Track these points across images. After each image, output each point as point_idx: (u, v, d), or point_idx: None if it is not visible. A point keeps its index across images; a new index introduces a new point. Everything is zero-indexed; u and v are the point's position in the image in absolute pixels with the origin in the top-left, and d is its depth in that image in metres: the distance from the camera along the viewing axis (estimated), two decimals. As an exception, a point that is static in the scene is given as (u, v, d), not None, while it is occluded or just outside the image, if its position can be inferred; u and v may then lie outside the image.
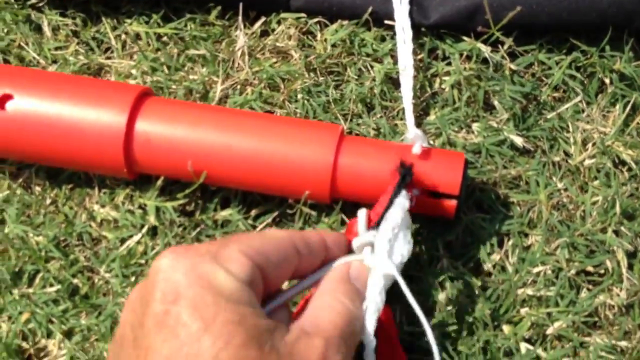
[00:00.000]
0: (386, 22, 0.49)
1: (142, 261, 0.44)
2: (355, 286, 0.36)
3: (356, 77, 0.49)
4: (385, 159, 0.41)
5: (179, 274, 0.30)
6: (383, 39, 0.50)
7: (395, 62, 0.49)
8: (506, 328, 0.42)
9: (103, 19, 0.52)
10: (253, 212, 0.45)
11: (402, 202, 0.38)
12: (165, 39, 0.51)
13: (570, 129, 0.47)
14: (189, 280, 0.30)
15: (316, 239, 0.36)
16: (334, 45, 0.50)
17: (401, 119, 0.48)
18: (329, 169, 0.41)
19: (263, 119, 0.44)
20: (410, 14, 0.48)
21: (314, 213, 0.44)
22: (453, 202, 0.41)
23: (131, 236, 0.45)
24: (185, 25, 0.52)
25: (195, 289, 0.29)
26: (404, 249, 0.37)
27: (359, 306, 0.35)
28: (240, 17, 0.50)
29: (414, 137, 0.44)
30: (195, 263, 0.30)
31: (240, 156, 0.42)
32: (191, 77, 0.49)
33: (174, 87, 0.49)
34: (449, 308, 0.42)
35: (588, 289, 0.43)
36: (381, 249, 0.37)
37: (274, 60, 0.50)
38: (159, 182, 0.44)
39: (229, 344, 0.28)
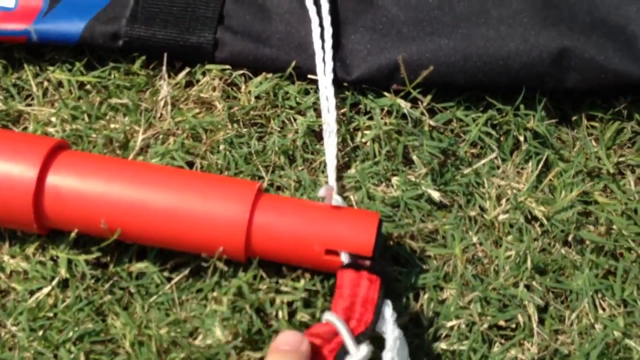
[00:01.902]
0: (309, 76, 0.50)
1: (51, 314, 0.43)
2: None
3: (279, 129, 0.50)
4: (302, 219, 0.42)
5: None
6: (307, 92, 0.51)
7: (318, 115, 0.50)
8: (420, 383, 0.42)
9: (25, 65, 0.51)
10: (169, 265, 0.45)
11: (392, 316, 0.39)
12: (88, 87, 0.51)
13: (486, 185, 0.48)
14: None
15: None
16: (257, 97, 0.50)
17: (323, 172, 0.49)
18: (243, 227, 0.41)
19: (179, 175, 0.43)
20: (334, 69, 0.50)
21: (227, 269, 0.44)
22: (366, 263, 0.41)
23: (41, 288, 0.44)
24: (109, 74, 0.51)
25: None
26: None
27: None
28: (164, 67, 0.50)
29: (326, 193, 0.45)
30: None
31: (155, 213, 0.41)
32: (112, 126, 0.49)
33: (93, 136, 0.48)
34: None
35: (500, 344, 0.44)
36: None
37: (197, 110, 0.50)
38: (73, 235, 0.43)
39: None
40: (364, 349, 0.37)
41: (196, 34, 0.50)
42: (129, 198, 0.41)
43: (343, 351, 0.37)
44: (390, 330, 0.39)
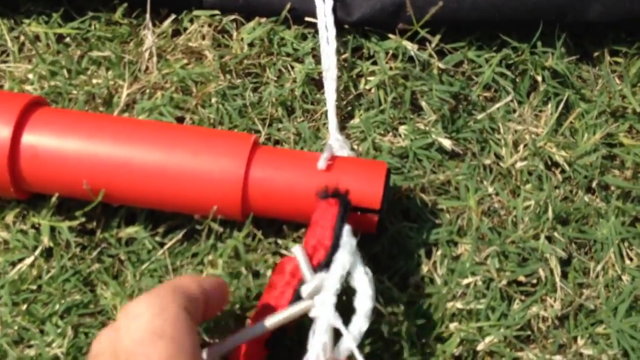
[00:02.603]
0: (307, 19, 0.46)
1: (35, 286, 0.40)
2: None
3: (275, 78, 0.46)
4: (302, 172, 0.38)
5: None
6: (304, 37, 0.47)
7: (317, 62, 0.46)
8: (435, 345, 0.39)
9: (-1, 19, 0.48)
10: (161, 229, 0.42)
11: (349, 241, 0.35)
12: (67, 40, 0.47)
13: (502, 130, 0.45)
14: None
15: (194, 289, 0.33)
16: (251, 45, 0.47)
17: (324, 123, 0.45)
18: (239, 182, 0.38)
19: (168, 129, 0.40)
20: (334, 9, 0.45)
21: (224, 230, 0.41)
22: (374, 217, 0.38)
23: (23, 259, 0.41)
24: (89, 25, 0.48)
25: None
26: (364, 289, 0.34)
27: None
28: (147, 15, 0.46)
29: (334, 143, 0.41)
30: None
31: (142, 171, 0.38)
32: (94, 81, 0.45)
33: (74, 92, 0.45)
34: (373, 326, 0.39)
35: (520, 300, 0.40)
36: (327, 300, 0.33)
37: (186, 61, 0.46)
38: (54, 200, 0.40)
39: None
40: (320, 276, 0.34)
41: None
42: (113, 156, 0.38)
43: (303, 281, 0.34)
44: (343, 256, 0.34)
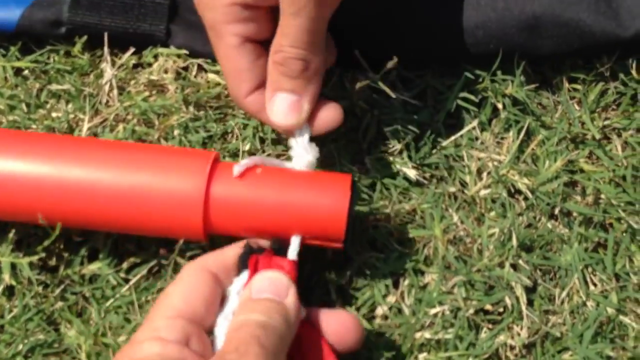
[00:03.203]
0: None
1: (-4, 328, 0.39)
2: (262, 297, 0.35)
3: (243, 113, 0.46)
4: (267, 183, 0.38)
5: None
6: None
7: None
8: (404, 377, 0.39)
9: (-46, 52, 0.47)
10: (125, 265, 0.41)
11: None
12: (25, 72, 0.47)
13: (465, 158, 0.45)
14: None
15: (231, 253, 0.37)
16: (218, 84, 0.46)
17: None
18: (200, 201, 0.37)
19: (124, 148, 0.38)
20: None
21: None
22: (338, 245, 0.38)
23: (-17, 299, 0.40)
24: (48, 58, 0.47)
25: None
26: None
27: (273, 315, 0.34)
28: (105, 49, 0.46)
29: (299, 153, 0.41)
30: (123, 352, 0.33)
31: (99, 192, 0.37)
32: (54, 114, 0.45)
33: (34, 126, 0.44)
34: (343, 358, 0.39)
35: (488, 329, 0.41)
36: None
37: (148, 93, 0.46)
38: (12, 235, 0.39)
39: None
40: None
41: (148, 22, 0.46)
42: (67, 179, 0.37)
43: None
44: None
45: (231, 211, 0.37)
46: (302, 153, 0.39)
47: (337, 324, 0.36)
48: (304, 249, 0.38)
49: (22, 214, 0.38)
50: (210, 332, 0.35)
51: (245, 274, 0.36)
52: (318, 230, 0.37)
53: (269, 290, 0.35)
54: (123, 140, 0.44)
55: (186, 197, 0.37)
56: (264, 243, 0.38)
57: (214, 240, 0.39)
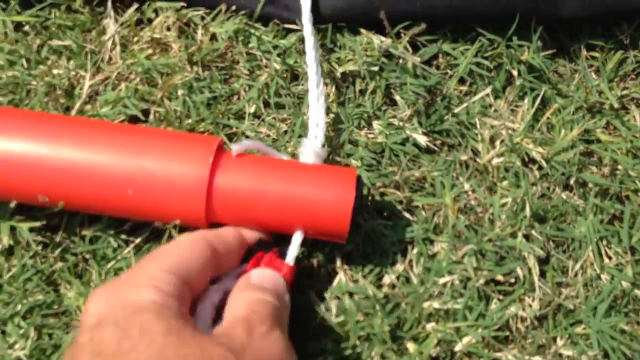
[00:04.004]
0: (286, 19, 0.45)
1: (-8, 287, 0.38)
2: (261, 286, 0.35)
3: (247, 72, 0.44)
4: (271, 176, 0.36)
5: (101, 304, 0.30)
6: (282, 35, 0.45)
7: (292, 56, 0.44)
8: (411, 346, 0.38)
9: (-48, 5, 0.45)
10: (126, 226, 0.40)
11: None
12: (26, 28, 0.45)
13: (478, 125, 0.44)
14: (111, 306, 0.30)
15: (232, 234, 0.36)
16: (221, 39, 0.45)
17: (304, 114, 0.43)
18: (203, 191, 0.35)
19: (125, 132, 0.37)
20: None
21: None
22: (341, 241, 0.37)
23: (-20, 258, 0.39)
24: (49, 13, 0.45)
25: (117, 311, 0.30)
26: None
27: (269, 296, 0.34)
28: (109, 3, 0.44)
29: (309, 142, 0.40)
30: (117, 291, 0.31)
31: (99, 179, 0.35)
32: (55, 71, 0.43)
33: (34, 83, 0.43)
34: (345, 326, 0.38)
35: (498, 300, 0.39)
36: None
37: (151, 51, 0.44)
38: (12, 205, 0.37)
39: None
40: None
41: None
42: (68, 162, 0.35)
43: None
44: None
45: (234, 201, 0.36)
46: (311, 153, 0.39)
47: None
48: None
49: (25, 197, 0.37)
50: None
51: (244, 265, 0.36)
52: (321, 227, 0.36)
53: (269, 283, 0.35)
54: (125, 98, 0.42)
55: (189, 186, 0.36)
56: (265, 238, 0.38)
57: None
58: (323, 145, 0.40)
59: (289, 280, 0.36)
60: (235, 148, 0.36)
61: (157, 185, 0.35)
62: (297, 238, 0.37)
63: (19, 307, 0.38)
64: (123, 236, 0.40)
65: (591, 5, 0.44)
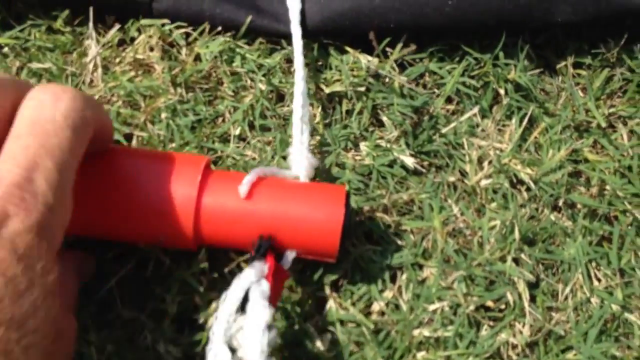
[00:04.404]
0: (274, 31, 0.44)
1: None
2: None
3: (232, 93, 0.43)
4: (260, 194, 0.36)
5: None
6: (269, 53, 0.45)
7: (277, 76, 0.44)
8: (402, 375, 0.38)
9: None
10: (110, 254, 0.39)
11: (248, 274, 0.33)
12: (5, 50, 0.44)
13: (466, 146, 0.43)
14: None
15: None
16: (205, 60, 0.44)
17: (290, 137, 0.42)
18: (191, 211, 0.35)
19: (113, 154, 0.36)
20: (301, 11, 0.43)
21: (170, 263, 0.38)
22: (331, 261, 0.36)
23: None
24: (29, 34, 0.44)
25: None
26: (257, 316, 0.32)
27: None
28: (90, 23, 0.43)
29: (296, 156, 0.39)
30: None
31: (88, 199, 0.35)
32: (34, 96, 0.42)
33: (12, 108, 0.41)
34: (336, 355, 0.37)
35: (489, 326, 0.39)
36: (216, 336, 0.31)
37: (134, 74, 0.43)
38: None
39: None
40: None
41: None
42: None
43: None
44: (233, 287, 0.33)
45: (223, 223, 0.35)
46: (302, 160, 0.38)
47: None
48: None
49: None
50: None
51: (260, 266, 0.34)
52: (311, 247, 0.36)
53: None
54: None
55: (177, 208, 0.35)
56: None
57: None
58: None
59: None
60: (243, 190, 0.35)
61: (145, 207, 0.35)
62: (290, 254, 0.36)
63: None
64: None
65: (585, 10, 0.43)
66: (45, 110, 0.29)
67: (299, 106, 0.40)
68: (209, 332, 0.36)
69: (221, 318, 0.32)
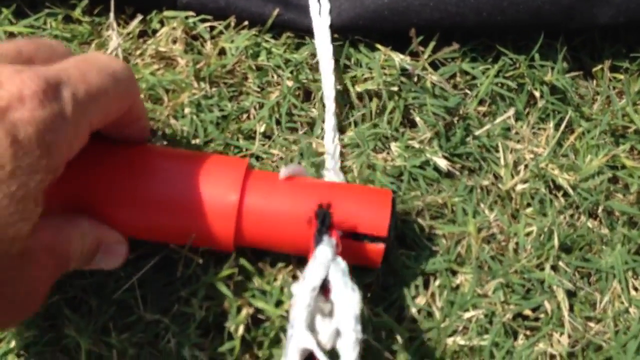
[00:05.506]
0: (300, 25, 0.42)
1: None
2: None
3: (258, 89, 0.42)
4: (301, 197, 0.34)
5: None
6: (296, 47, 0.43)
7: (304, 72, 0.42)
8: (436, 386, 0.36)
9: (-61, 12, 0.42)
10: (132, 255, 0.37)
11: (324, 251, 0.30)
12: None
13: (500, 149, 0.42)
14: None
15: None
16: (231, 54, 0.42)
17: (317, 137, 0.41)
18: (233, 212, 0.33)
19: (152, 153, 0.35)
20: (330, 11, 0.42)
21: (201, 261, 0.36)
22: (380, 247, 0.34)
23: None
24: (44, 22, 0.42)
25: None
26: (347, 302, 0.28)
27: None
28: (112, 13, 0.41)
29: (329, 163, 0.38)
30: None
31: (123, 198, 0.33)
32: (52, 86, 0.40)
33: (29, 99, 0.40)
34: (370, 365, 0.36)
35: (526, 336, 0.38)
36: (297, 321, 0.29)
37: (156, 66, 0.42)
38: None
39: None
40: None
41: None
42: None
43: None
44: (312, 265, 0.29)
45: (263, 225, 0.34)
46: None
47: None
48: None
49: None
50: None
51: (329, 241, 0.31)
52: (353, 255, 0.34)
53: None
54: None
55: (218, 210, 0.33)
56: None
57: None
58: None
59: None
60: (283, 172, 0.34)
61: (185, 209, 0.33)
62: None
63: (13, 343, 0.35)
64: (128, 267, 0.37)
65: (628, 10, 0.42)
66: (99, 59, 0.30)
67: (330, 129, 0.40)
68: (238, 339, 0.35)
69: (301, 302, 0.28)
